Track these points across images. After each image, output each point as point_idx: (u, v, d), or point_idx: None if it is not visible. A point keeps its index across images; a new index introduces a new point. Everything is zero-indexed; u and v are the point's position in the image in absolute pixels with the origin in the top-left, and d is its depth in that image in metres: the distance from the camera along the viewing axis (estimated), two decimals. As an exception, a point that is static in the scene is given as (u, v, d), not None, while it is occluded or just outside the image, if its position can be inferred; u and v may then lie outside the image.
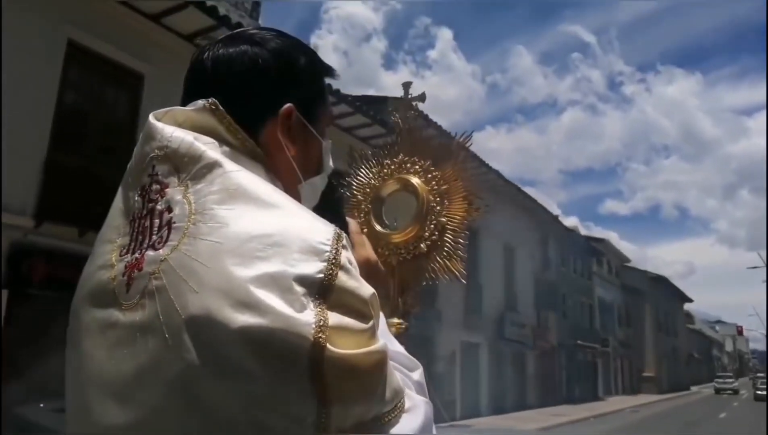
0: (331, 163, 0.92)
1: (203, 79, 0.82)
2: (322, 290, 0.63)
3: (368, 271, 0.88)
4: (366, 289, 0.67)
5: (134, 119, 9.69)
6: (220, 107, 0.77)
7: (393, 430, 0.67)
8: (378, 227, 1.25)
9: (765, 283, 36.99)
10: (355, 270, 0.68)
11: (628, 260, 46.57)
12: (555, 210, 31.24)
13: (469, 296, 19.44)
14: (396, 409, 0.69)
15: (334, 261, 0.65)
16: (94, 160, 9.10)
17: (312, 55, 0.88)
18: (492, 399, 21.51)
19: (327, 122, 0.90)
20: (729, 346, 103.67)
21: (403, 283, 1.23)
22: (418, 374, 0.82)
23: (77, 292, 0.77)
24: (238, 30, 0.87)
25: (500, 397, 22.34)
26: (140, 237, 0.71)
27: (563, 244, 31.06)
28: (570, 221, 36.24)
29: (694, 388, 59.75)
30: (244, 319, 0.59)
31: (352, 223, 0.95)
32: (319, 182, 0.90)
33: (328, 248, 0.65)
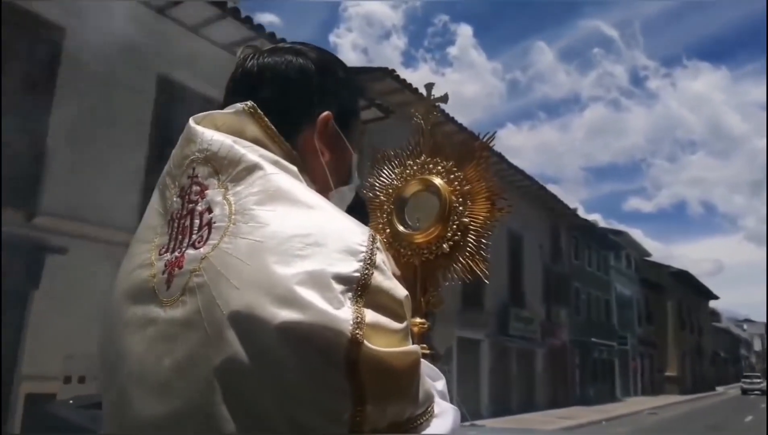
0: (357, 176, 1.03)
1: (248, 83, 0.93)
2: (359, 289, 0.70)
3: None
4: (401, 291, 0.75)
5: (53, 77, 9.22)
6: (258, 110, 0.88)
7: (424, 434, 0.75)
8: (400, 228, 1.35)
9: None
10: (389, 271, 0.76)
11: (648, 254, 46.77)
12: (577, 206, 31.67)
13: (467, 288, 19.31)
14: (427, 413, 0.77)
15: (369, 261, 0.73)
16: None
17: (349, 71, 1.01)
18: (493, 400, 21.56)
19: (358, 136, 1.02)
20: (757, 345, 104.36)
21: (426, 283, 1.34)
22: (441, 384, 0.92)
23: (113, 291, 0.87)
24: (280, 44, 1.00)
25: (503, 398, 22.45)
26: (180, 236, 0.80)
27: (577, 235, 31.17)
28: (592, 218, 36.52)
29: (719, 389, 60.37)
30: (284, 314, 0.66)
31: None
32: (347, 192, 1.01)
33: (364, 249, 0.73)
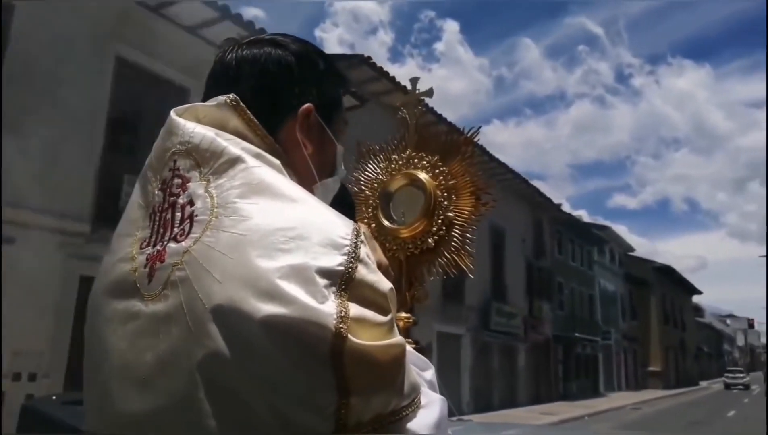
0: (343, 168, 1.05)
1: (227, 76, 0.94)
2: (343, 282, 0.71)
3: None
4: (385, 284, 0.77)
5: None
6: (241, 103, 0.89)
7: (410, 425, 0.76)
8: (386, 222, 1.38)
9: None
10: (374, 265, 0.78)
11: (632, 249, 47.41)
12: (562, 202, 32.11)
13: (447, 282, 19.22)
14: (413, 404, 0.77)
15: (353, 255, 0.74)
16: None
17: (331, 62, 1.02)
18: (474, 396, 21.60)
19: (342, 128, 1.03)
20: (740, 341, 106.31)
21: (411, 277, 1.37)
22: (430, 374, 0.93)
23: (96, 286, 0.87)
24: (260, 36, 1.01)
25: (484, 394, 22.51)
26: (162, 230, 0.81)
27: (560, 229, 31.44)
28: (578, 215, 36.94)
29: (703, 383, 61.42)
30: (267, 308, 0.67)
31: (362, 227, 1.09)
32: (331, 184, 1.02)
33: (347, 242, 0.75)
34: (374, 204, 1.43)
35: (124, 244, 0.85)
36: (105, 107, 9.95)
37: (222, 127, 0.87)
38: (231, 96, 0.89)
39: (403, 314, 1.30)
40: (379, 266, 1.01)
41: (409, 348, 0.93)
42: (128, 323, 0.78)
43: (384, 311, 0.75)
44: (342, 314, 0.69)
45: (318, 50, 1.01)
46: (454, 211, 1.36)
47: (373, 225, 1.40)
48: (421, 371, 0.91)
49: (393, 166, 1.45)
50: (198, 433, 0.70)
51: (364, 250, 0.76)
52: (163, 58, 10.49)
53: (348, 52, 15.86)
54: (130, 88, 10.35)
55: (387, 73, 15.77)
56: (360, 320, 0.71)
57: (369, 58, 15.17)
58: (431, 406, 0.82)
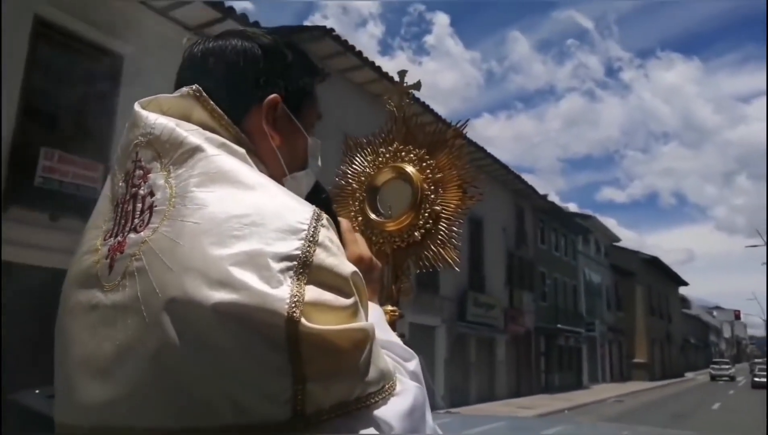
0: (318, 161, 1.08)
1: (193, 68, 0.99)
2: (300, 268, 0.74)
3: (363, 269, 1.01)
4: (347, 267, 0.79)
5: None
6: (204, 94, 0.92)
7: (379, 413, 0.77)
8: (372, 216, 1.44)
9: (765, 265, 38.75)
10: (337, 249, 0.80)
11: (618, 239, 48.07)
12: (548, 193, 32.40)
13: (421, 271, 18.85)
14: (383, 392, 0.79)
15: (311, 239, 0.76)
16: None
17: (301, 53, 1.06)
18: (450, 390, 21.59)
19: (314, 121, 1.08)
20: (727, 332, 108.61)
21: (397, 270, 1.43)
22: (413, 364, 0.94)
23: (66, 278, 0.92)
24: (230, 29, 1.05)
25: (461, 387, 22.62)
26: (123, 221, 0.85)
27: (543, 219, 31.68)
28: (566, 208, 37.29)
29: (689, 375, 62.68)
30: (219, 296, 0.70)
31: (344, 222, 1.09)
32: (303, 177, 1.05)
33: (305, 227, 0.77)
34: (361, 197, 1.49)
35: (91, 236, 0.90)
36: (21, 73, 9.25)
37: (186, 118, 0.91)
38: (194, 87, 0.93)
39: (389, 307, 1.35)
40: (362, 259, 1.05)
41: (393, 339, 0.98)
42: (90, 314, 0.82)
43: (345, 295, 0.77)
44: (296, 299, 0.71)
45: (289, 42, 1.05)
46: (441, 205, 1.42)
47: (360, 218, 1.46)
48: (404, 361, 0.93)
49: (380, 159, 1.50)
50: (155, 423, 0.73)
51: (324, 234, 0.79)
52: (93, 22, 9.81)
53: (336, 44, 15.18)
54: (52, 51, 9.79)
55: (353, 47, 15.37)
56: (317, 304, 0.73)
57: (332, 30, 14.64)
58: (405, 393, 0.83)
